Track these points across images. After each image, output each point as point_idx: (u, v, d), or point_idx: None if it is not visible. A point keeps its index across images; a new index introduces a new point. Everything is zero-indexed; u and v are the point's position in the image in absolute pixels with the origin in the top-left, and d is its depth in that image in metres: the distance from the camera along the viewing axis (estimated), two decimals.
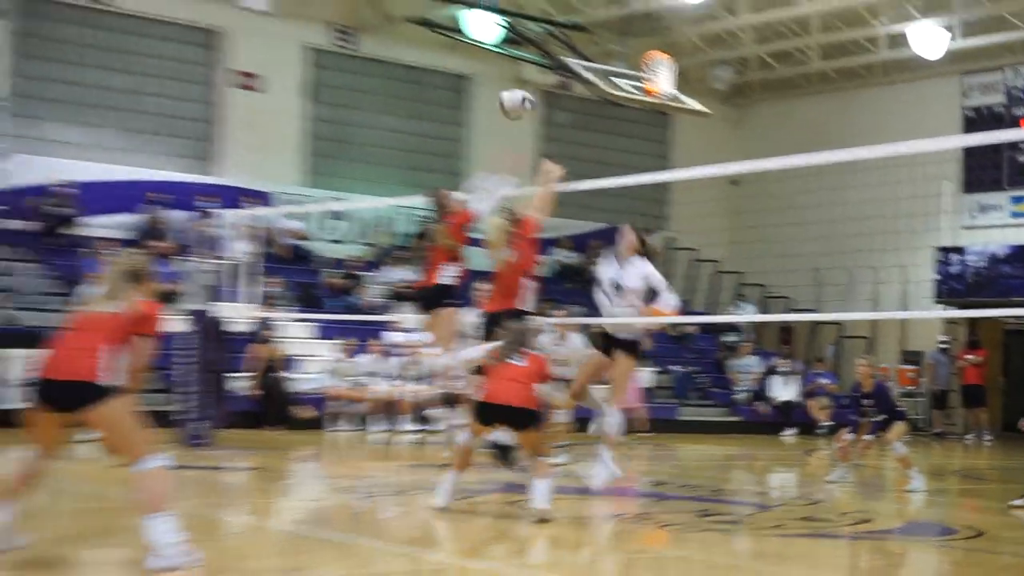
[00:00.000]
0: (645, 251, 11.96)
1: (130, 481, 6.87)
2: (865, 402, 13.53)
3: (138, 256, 7.61)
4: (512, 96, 13.49)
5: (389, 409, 20.19)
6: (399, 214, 26.49)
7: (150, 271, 7.48)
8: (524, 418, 9.17)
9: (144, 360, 7.25)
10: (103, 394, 6.82)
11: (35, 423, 7.05)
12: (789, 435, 24.04)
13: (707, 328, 27.76)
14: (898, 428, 13.29)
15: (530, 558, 8.10)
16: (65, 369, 6.89)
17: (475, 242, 12.04)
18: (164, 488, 6.87)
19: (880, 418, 13.42)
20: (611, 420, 11.63)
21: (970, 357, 26.03)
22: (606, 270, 12.12)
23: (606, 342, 11.77)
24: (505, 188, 12.37)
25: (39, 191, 22.82)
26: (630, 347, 11.72)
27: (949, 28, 25.43)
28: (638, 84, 22.06)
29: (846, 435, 13.65)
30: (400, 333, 21.89)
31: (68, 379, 6.86)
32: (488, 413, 9.28)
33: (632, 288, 11.74)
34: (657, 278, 11.85)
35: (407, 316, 22.50)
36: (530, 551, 8.38)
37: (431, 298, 11.80)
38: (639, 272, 11.82)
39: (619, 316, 11.72)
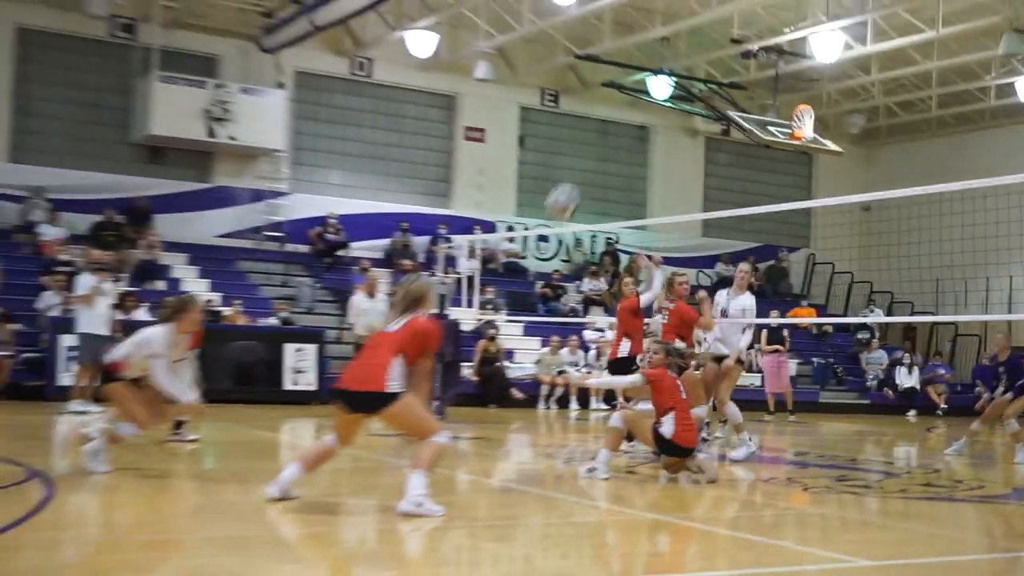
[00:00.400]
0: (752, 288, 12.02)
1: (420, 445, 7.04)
2: (1000, 370, 12.98)
3: (421, 282, 7.56)
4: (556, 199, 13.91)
5: (583, 392, 20.16)
6: (591, 238, 26.61)
7: (431, 294, 7.52)
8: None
9: (429, 368, 7.33)
10: (392, 399, 6.92)
11: (338, 419, 7.23)
12: (911, 416, 23.24)
13: (843, 327, 27.18)
14: (1017, 404, 12.56)
15: (696, 512, 7.95)
16: (361, 381, 7.04)
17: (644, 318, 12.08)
18: (438, 457, 7.02)
19: (1005, 388, 12.77)
20: (733, 411, 11.39)
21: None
22: (720, 298, 12.02)
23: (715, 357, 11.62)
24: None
25: (316, 222, 23.51)
26: (724, 360, 11.53)
27: None
28: (786, 130, 21.66)
29: (985, 396, 13.23)
30: (592, 331, 21.87)
31: (363, 389, 7.01)
32: None
33: (734, 316, 11.64)
34: (752, 313, 11.81)
35: (597, 318, 22.54)
36: (696, 507, 8.24)
37: (612, 367, 11.74)
38: (741, 304, 11.65)
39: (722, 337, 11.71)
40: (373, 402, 6.99)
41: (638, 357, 10.95)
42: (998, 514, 8.65)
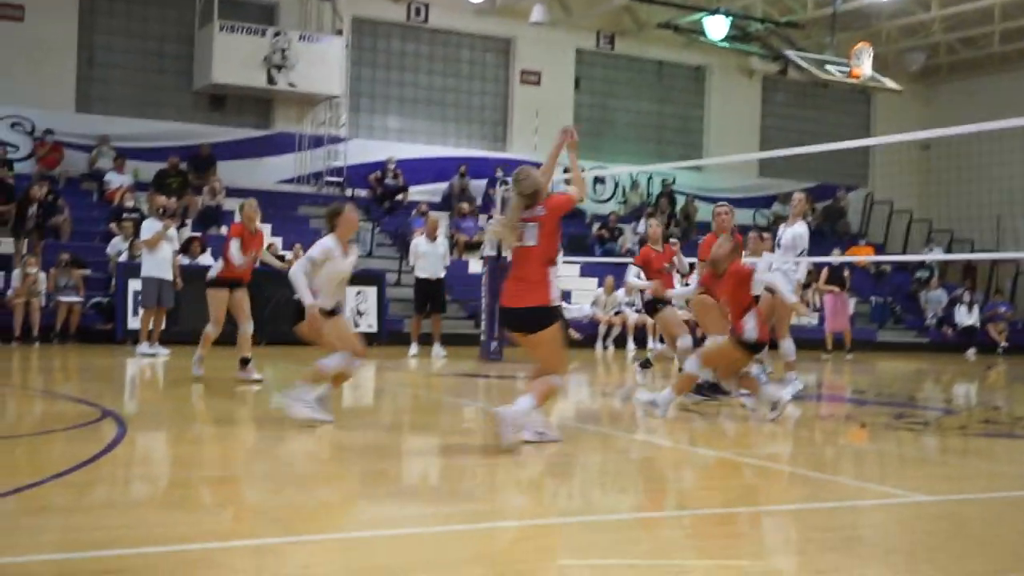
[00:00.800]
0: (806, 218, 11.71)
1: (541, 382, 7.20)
2: None
3: (526, 174, 7.36)
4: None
5: (640, 332, 20.12)
6: (648, 179, 26.42)
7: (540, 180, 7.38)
8: None
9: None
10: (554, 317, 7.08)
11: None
12: (971, 354, 22.94)
13: (901, 266, 26.81)
14: None
15: (754, 449, 7.92)
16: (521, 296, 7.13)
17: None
18: (550, 395, 7.24)
19: None
20: (788, 347, 11.22)
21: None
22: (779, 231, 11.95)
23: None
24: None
25: (375, 167, 23.56)
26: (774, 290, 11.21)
27: None
28: (844, 69, 21.31)
29: None
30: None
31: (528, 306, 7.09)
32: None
33: (786, 246, 11.49)
34: (803, 240, 11.46)
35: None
36: (754, 444, 8.21)
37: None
38: (792, 233, 11.53)
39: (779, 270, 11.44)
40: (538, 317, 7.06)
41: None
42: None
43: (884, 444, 8.43)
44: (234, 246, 11.00)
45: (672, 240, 12.20)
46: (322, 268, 8.14)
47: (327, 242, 8.26)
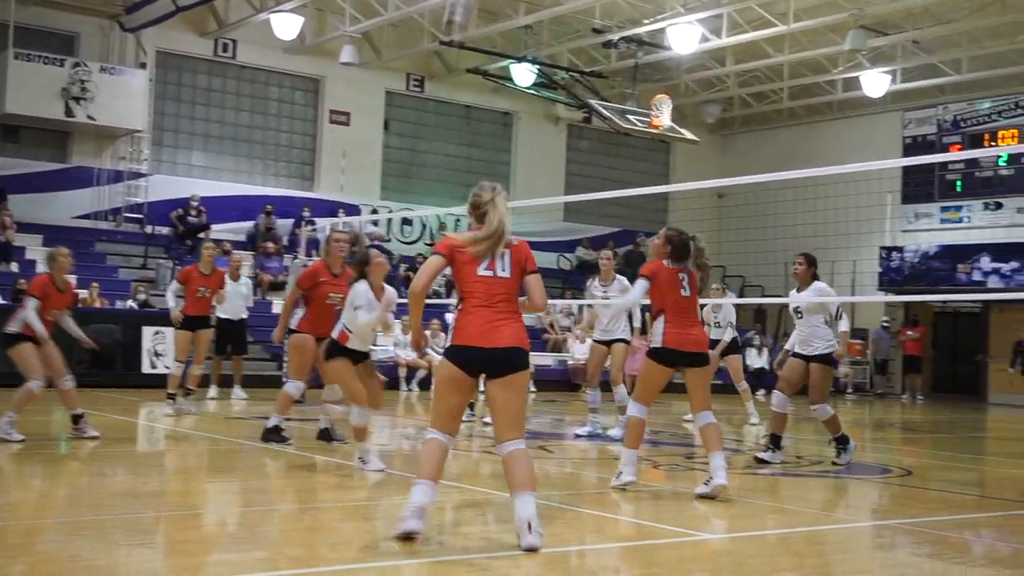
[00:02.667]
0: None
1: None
2: None
3: None
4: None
5: None
6: (455, 221, 26.67)
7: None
8: None
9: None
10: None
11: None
12: (760, 395, 23.92)
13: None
14: None
15: (553, 489, 8.09)
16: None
17: None
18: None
19: None
20: (622, 394, 11.83)
21: (911, 333, 26.00)
22: (594, 289, 12.10)
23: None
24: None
25: (178, 204, 23.05)
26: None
27: (892, 73, 25.21)
28: (645, 119, 22.09)
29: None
30: (454, 313, 21.95)
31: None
32: None
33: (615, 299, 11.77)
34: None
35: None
36: (550, 483, 8.39)
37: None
38: (619, 287, 11.91)
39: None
40: (515, 360, 5.87)
41: None
42: (835, 488, 9.03)
43: (677, 483, 8.74)
44: (31, 310, 9.80)
45: None
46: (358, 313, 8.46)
47: (363, 288, 8.55)
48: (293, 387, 9.92)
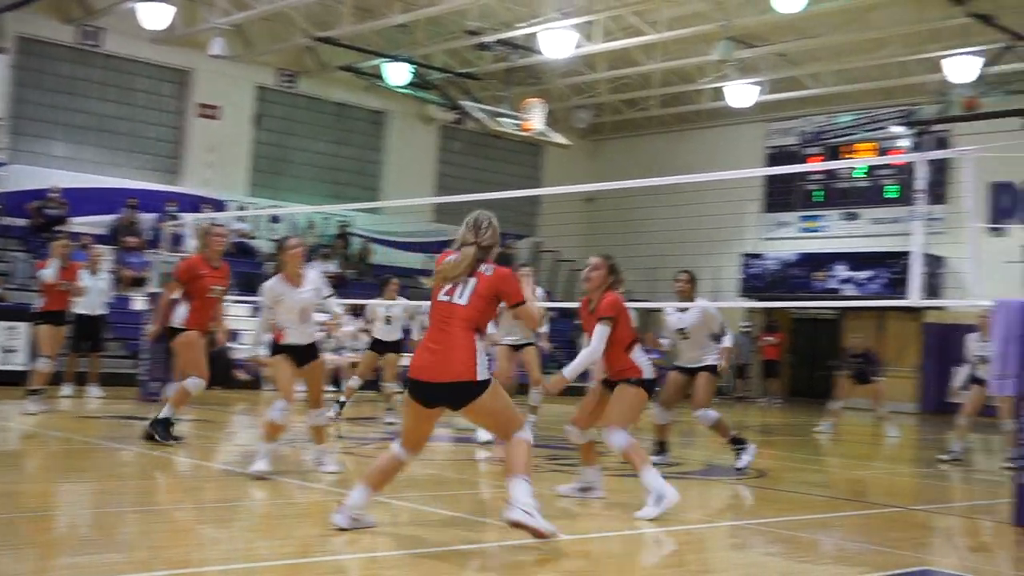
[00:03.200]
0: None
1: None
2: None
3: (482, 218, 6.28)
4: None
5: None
6: (324, 219, 26.48)
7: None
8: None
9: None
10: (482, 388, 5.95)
11: (409, 419, 6.16)
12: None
13: (564, 312, 28.06)
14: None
15: (402, 491, 8.12)
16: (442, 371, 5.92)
17: None
18: (526, 455, 6.11)
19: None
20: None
21: (769, 339, 26.75)
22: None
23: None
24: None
25: (36, 195, 22.33)
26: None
27: (758, 85, 25.88)
28: (517, 122, 22.27)
29: None
30: (320, 313, 21.77)
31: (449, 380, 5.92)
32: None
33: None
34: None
35: (327, 300, 22.42)
36: (407, 486, 8.42)
37: None
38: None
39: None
40: (462, 394, 5.93)
41: None
42: (691, 489, 9.25)
43: (538, 486, 8.84)
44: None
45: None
46: (279, 308, 8.60)
47: (269, 284, 8.68)
48: (193, 384, 9.78)
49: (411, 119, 28.39)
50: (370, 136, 28.00)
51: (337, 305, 11.92)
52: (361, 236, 26.61)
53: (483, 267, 6.10)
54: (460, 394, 5.93)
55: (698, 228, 23.88)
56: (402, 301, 14.10)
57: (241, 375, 19.21)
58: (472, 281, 6.05)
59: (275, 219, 25.57)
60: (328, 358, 19.98)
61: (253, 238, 25.20)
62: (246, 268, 23.66)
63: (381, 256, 26.67)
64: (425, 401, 6.01)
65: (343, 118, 27.45)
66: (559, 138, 23.51)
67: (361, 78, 24.50)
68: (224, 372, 19.23)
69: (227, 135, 25.18)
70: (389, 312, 13.83)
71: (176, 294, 10.06)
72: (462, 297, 6.01)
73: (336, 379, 19.46)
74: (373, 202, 25.92)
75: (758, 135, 28.60)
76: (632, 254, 26.72)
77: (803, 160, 27.46)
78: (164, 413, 9.92)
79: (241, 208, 24.62)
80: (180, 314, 10.05)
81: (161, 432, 9.85)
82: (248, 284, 22.88)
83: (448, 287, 6.06)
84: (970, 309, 12.89)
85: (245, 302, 21.60)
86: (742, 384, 27.22)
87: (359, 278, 25.19)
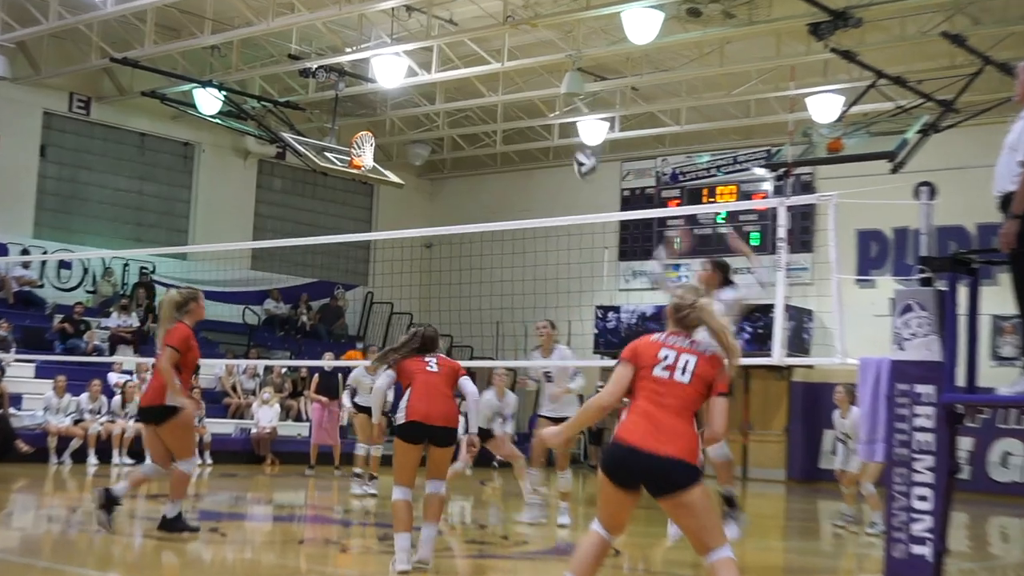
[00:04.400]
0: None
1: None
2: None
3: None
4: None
5: (105, 444, 19.45)
6: (123, 266, 25.85)
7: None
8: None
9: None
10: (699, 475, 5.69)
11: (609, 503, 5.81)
12: (467, 470, 24.23)
13: None
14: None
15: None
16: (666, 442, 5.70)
17: None
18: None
19: None
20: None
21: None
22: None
23: None
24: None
25: None
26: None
27: (611, 121, 26.40)
28: (345, 157, 22.20)
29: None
30: (118, 373, 21.23)
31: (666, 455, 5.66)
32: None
33: None
34: None
35: (125, 358, 21.88)
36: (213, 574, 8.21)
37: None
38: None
39: None
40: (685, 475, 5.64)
41: None
42: (539, 569, 9.25)
43: (367, 567, 8.73)
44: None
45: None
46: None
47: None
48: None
49: (225, 153, 28.01)
50: (178, 171, 27.49)
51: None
52: (166, 285, 25.99)
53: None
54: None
55: (547, 278, 24.14)
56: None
57: (24, 447, 18.48)
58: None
59: (65, 265, 24.86)
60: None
61: (40, 286, 24.42)
62: (31, 322, 22.94)
63: None
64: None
65: (146, 150, 26.91)
66: (393, 176, 23.51)
67: (167, 105, 24.03)
68: (5, 443, 18.50)
69: (8, 168, 24.33)
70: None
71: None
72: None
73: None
74: (181, 246, 25.42)
75: (612, 176, 29.13)
76: (475, 306, 26.99)
77: (661, 204, 28.08)
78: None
79: (25, 252, 23.84)
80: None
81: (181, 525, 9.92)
82: (34, 339, 22.17)
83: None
84: (839, 366, 13.32)
85: (28, 361, 20.91)
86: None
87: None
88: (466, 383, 8.73)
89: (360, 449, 15.97)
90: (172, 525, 9.66)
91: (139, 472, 10.12)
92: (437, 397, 8.39)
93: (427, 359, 8.65)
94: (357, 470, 15.80)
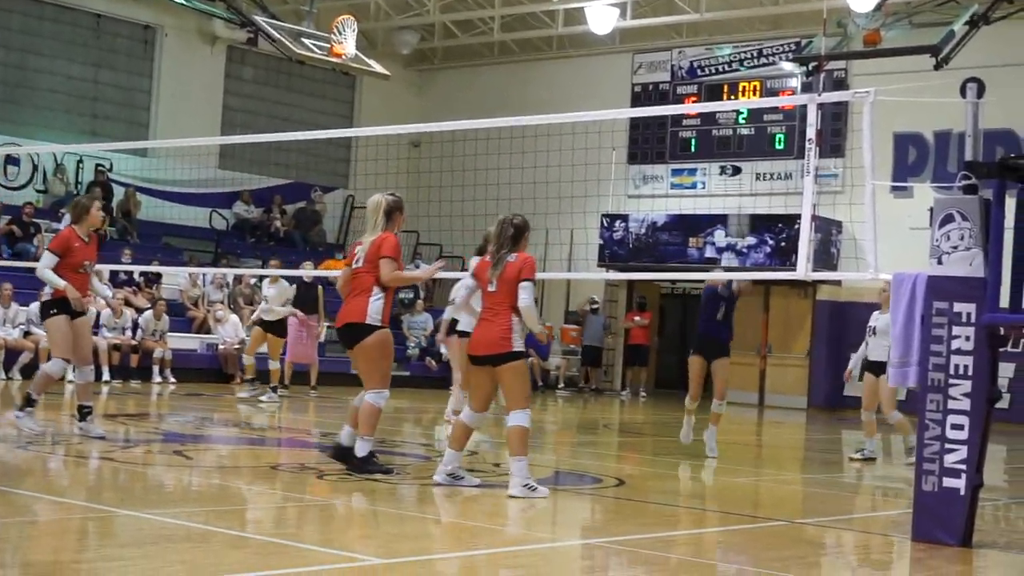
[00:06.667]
0: None
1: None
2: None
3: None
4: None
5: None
6: (77, 162, 25.74)
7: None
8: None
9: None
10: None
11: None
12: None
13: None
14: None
15: (177, 507, 8.00)
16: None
17: None
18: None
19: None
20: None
21: (637, 319, 27.05)
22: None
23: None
24: None
25: None
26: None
27: (622, 7, 26.18)
28: (325, 45, 22.04)
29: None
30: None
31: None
32: None
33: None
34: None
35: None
36: (177, 500, 8.29)
37: None
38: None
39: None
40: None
41: None
42: (536, 501, 9.34)
43: (342, 496, 8.82)
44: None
45: None
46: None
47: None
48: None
49: (190, 37, 27.79)
50: (138, 58, 27.31)
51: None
52: (125, 184, 25.97)
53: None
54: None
55: (550, 182, 24.12)
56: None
57: None
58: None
59: (12, 160, 24.77)
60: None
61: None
62: None
63: (151, 210, 26.10)
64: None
65: (103, 34, 26.71)
66: (377, 66, 23.34)
67: None
68: None
69: None
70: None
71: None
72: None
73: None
74: (140, 141, 25.32)
75: (623, 69, 28.96)
76: (468, 212, 26.94)
77: (677, 101, 27.93)
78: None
79: None
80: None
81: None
82: None
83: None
84: (870, 284, 13.31)
85: None
86: (595, 374, 27.63)
87: (122, 237, 24.62)
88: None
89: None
90: (362, 465, 9.57)
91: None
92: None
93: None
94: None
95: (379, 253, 9.49)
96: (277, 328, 18.67)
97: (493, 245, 9.13)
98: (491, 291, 9.02)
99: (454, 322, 13.31)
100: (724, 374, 12.74)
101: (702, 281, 27.84)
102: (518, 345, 8.90)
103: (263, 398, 17.96)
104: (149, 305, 21.64)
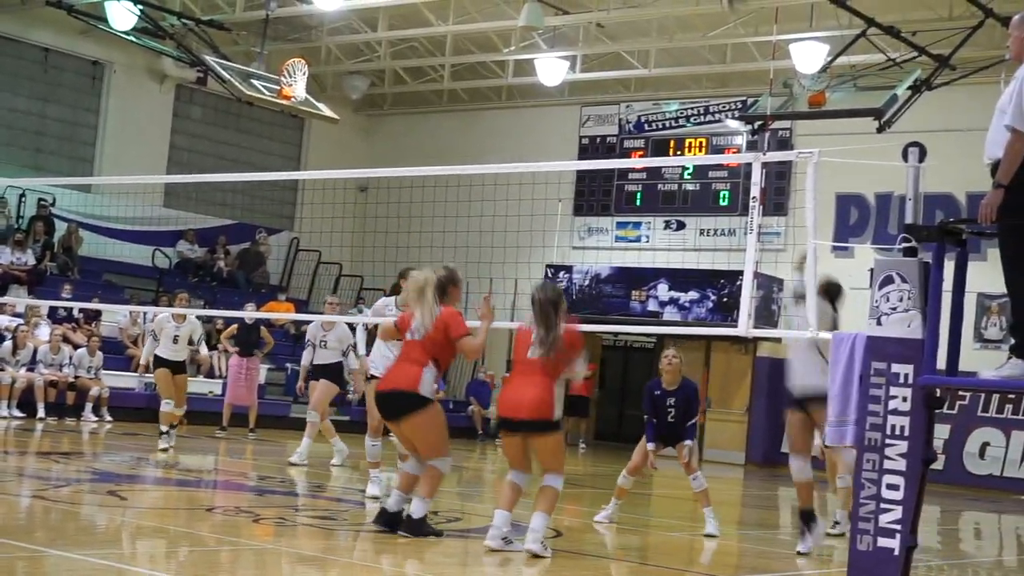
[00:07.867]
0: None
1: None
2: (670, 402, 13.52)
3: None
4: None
5: None
6: (19, 196, 25.52)
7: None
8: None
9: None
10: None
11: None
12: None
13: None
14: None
15: (109, 547, 7.92)
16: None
17: None
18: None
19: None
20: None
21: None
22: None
23: None
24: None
25: None
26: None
27: (571, 60, 26.35)
28: (273, 87, 22.01)
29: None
30: (8, 317, 21.03)
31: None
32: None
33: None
34: None
35: (18, 299, 21.67)
36: (110, 540, 8.20)
37: None
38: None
39: None
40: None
41: None
42: (461, 552, 9.31)
43: (278, 541, 8.76)
44: None
45: None
46: None
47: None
48: None
49: (138, 74, 27.70)
50: (84, 93, 27.18)
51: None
52: (67, 220, 25.76)
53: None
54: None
55: (493, 230, 24.12)
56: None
57: None
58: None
59: None
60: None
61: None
62: None
63: (93, 247, 25.88)
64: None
65: (49, 68, 26.57)
66: (326, 110, 23.32)
67: (75, 18, 23.69)
68: None
69: None
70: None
71: None
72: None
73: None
74: (85, 177, 25.17)
75: (571, 121, 29.12)
76: (413, 257, 26.84)
77: (623, 154, 28.11)
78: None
79: None
80: None
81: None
82: None
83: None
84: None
85: None
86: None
87: (63, 272, 24.42)
88: None
89: None
90: (418, 526, 9.36)
91: None
92: None
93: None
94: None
95: (449, 334, 9.39)
96: (182, 368, 16.96)
97: (539, 327, 9.07)
98: (531, 357, 9.10)
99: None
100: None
101: (645, 334, 27.99)
102: (557, 414, 9.15)
103: (160, 443, 15.73)
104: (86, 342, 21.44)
